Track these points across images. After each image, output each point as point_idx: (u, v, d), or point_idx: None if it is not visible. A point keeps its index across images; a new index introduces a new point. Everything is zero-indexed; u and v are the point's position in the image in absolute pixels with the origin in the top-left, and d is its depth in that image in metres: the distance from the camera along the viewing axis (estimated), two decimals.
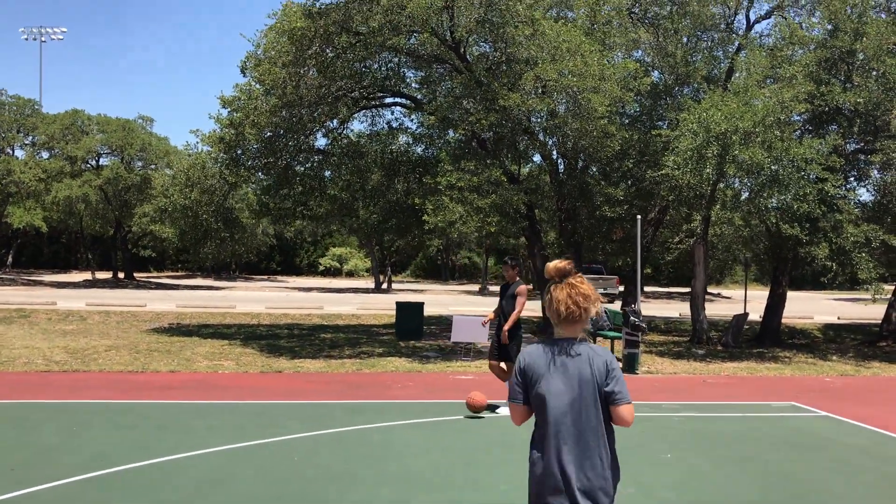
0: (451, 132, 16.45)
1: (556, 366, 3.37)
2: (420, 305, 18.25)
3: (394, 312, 25.80)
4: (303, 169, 17.58)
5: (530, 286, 9.93)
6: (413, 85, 18.95)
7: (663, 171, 15.88)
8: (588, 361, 3.38)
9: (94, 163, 44.72)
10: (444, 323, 21.84)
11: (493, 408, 9.66)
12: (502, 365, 9.86)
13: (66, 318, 21.65)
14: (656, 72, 19.66)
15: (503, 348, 9.67)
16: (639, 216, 15.50)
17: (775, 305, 18.72)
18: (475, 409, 9.29)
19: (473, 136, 15.55)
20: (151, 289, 41.31)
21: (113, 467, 6.85)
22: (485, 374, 13.25)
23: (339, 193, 17.71)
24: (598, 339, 16.58)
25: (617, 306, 23.32)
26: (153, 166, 43.85)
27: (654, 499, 6.34)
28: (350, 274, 70.51)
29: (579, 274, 3.50)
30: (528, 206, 17.55)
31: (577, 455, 3.31)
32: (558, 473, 3.30)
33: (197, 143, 17.86)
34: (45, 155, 44.84)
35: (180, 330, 19.26)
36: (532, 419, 3.53)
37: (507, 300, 9.68)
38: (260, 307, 27.09)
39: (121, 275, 48.33)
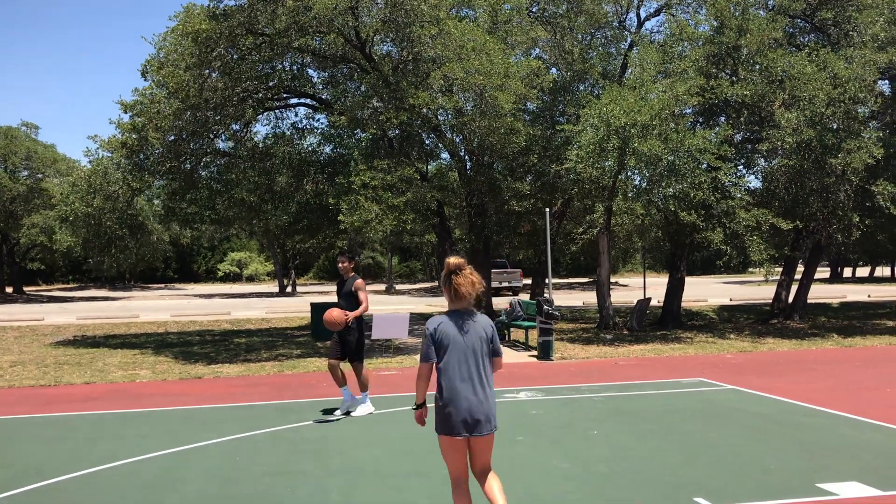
0: (360, 132, 16.56)
1: (463, 329, 4.73)
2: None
3: (305, 314, 25.86)
4: (208, 172, 17.35)
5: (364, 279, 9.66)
6: (318, 85, 18.99)
7: (567, 165, 16.50)
8: (481, 325, 4.79)
9: None
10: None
11: (348, 412, 9.35)
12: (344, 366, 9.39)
13: None
14: (554, 69, 20.34)
15: (347, 346, 9.24)
16: (547, 209, 16.05)
17: (674, 289, 19.68)
18: (332, 325, 8.91)
19: (384, 134, 15.74)
20: (44, 302, 39.61)
21: (51, 478, 6.74)
22: (409, 369, 13.50)
23: (246, 196, 17.54)
24: (513, 328, 17.08)
25: (523, 298, 23.97)
26: (40, 175, 42.02)
27: (588, 472, 6.71)
28: (250, 278, 69.35)
29: (470, 266, 4.82)
30: (438, 203, 17.87)
31: (479, 388, 4.68)
32: (469, 402, 4.64)
33: (97, 148, 17.34)
34: None
35: (86, 342, 18.67)
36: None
37: (345, 297, 9.27)
38: (165, 315, 26.48)
39: (9, 289, 46.09)
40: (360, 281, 9.26)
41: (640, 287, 37.45)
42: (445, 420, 4.68)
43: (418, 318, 21.28)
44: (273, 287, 56.13)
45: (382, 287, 54.04)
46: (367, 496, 6.16)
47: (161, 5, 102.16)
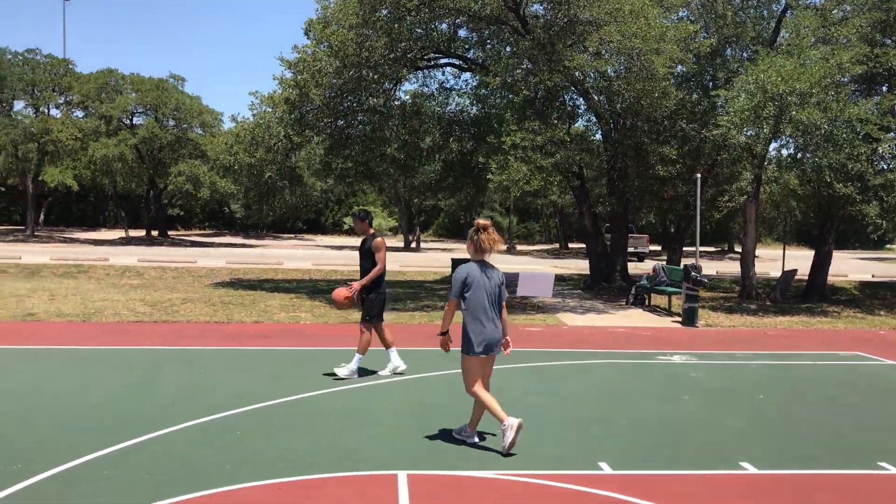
0: (510, 94, 16.80)
1: (485, 275, 6.15)
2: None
3: (436, 269, 26.63)
4: (361, 129, 18.06)
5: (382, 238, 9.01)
6: (466, 46, 19.31)
7: (718, 131, 16.28)
8: (497, 274, 6.25)
9: (128, 122, 45.24)
10: None
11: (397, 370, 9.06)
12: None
13: (123, 274, 22.33)
14: (704, 33, 19.93)
15: (366, 304, 8.83)
16: (698, 175, 15.94)
17: (821, 262, 19.20)
18: (341, 305, 8.70)
19: (534, 96, 15.97)
20: (187, 246, 42.10)
21: (253, 404, 7.50)
22: (553, 327, 13.88)
23: (396, 154, 18.18)
24: (654, 293, 17.15)
25: (648, 265, 23.83)
26: (185, 125, 44.35)
27: (766, 431, 6.92)
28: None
29: (493, 228, 6.18)
30: (578, 165, 18.01)
31: (494, 321, 6.16)
32: (490, 331, 6.12)
33: (258, 103, 18.32)
34: (79, 114, 45.36)
35: (242, 284, 19.93)
36: None
37: (365, 256, 8.80)
38: (306, 263, 27.77)
39: (154, 232, 49.12)
40: (379, 240, 8.75)
41: (772, 259, 36.43)
42: (470, 344, 6.11)
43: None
44: (396, 241, 57.55)
45: (502, 247, 54.55)
46: (553, 439, 6.58)
47: None
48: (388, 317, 14.58)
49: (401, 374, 9.04)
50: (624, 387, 8.78)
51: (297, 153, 18.02)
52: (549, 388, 8.59)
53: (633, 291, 17.25)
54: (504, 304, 6.28)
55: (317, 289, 19.18)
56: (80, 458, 5.73)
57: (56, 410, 7.11)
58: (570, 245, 54.89)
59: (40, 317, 13.45)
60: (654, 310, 16.65)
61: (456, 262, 19.04)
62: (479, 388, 6.25)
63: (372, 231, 8.91)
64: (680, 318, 14.88)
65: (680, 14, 19.72)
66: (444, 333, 6.41)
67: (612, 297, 18.57)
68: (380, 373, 9.01)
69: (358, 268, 9.10)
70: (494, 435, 6.44)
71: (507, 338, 6.41)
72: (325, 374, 8.89)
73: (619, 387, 8.77)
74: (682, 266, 15.40)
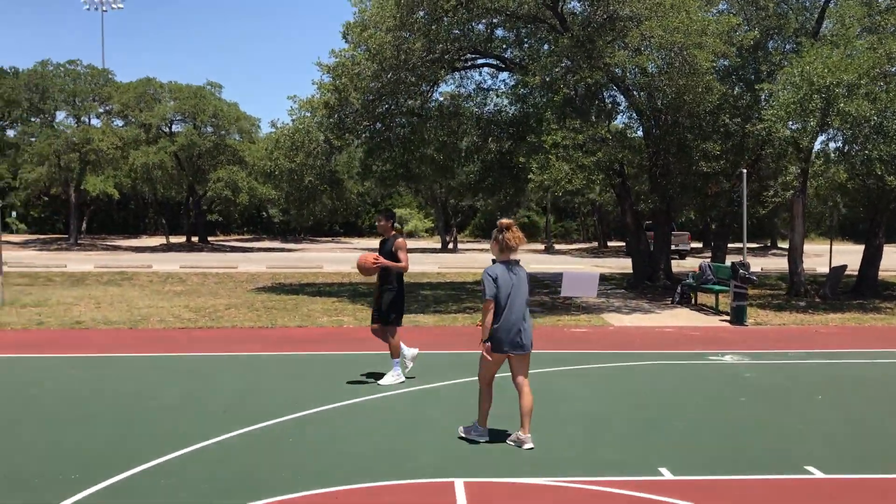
0: (549, 92, 16.65)
1: (513, 274, 6.25)
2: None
3: (476, 270, 26.50)
4: (402, 131, 18.03)
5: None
6: (503, 46, 19.20)
7: (763, 126, 15.97)
8: (524, 273, 6.38)
9: (167, 129, 45.85)
10: (533, 280, 22.32)
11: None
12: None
13: (167, 280, 22.57)
14: (746, 25, 19.59)
15: (379, 306, 8.73)
16: (744, 170, 15.64)
17: (872, 257, 18.75)
18: (366, 270, 8.49)
19: (576, 94, 15.81)
20: (227, 252, 42.52)
21: (307, 409, 7.47)
22: (600, 328, 13.71)
23: (435, 155, 18.13)
24: (700, 292, 16.88)
25: (689, 263, 23.50)
26: (223, 132, 44.83)
27: (831, 433, 6.72)
28: (410, 234, 71.30)
29: (516, 226, 6.28)
30: (620, 163, 17.79)
31: (523, 318, 6.24)
32: (519, 327, 6.22)
33: (296, 107, 18.38)
34: (119, 123, 46.09)
35: (283, 289, 20.02)
36: None
37: (387, 256, 8.59)
38: (345, 267, 27.85)
39: (194, 238, 49.71)
40: (401, 240, 8.66)
41: (815, 254, 35.76)
42: (500, 342, 6.20)
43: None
44: (433, 243, 57.53)
45: (539, 246, 54.24)
46: (610, 443, 6.46)
47: None
48: (431, 319, 14.61)
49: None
50: (678, 388, 8.62)
51: (336, 157, 18.03)
52: (601, 391, 8.45)
53: (678, 290, 16.99)
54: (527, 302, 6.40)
55: (358, 292, 19.19)
56: (137, 466, 5.73)
57: (113, 418, 7.15)
58: (609, 243, 54.45)
59: (88, 324, 13.61)
60: (700, 309, 16.38)
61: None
62: (488, 386, 6.45)
63: (393, 232, 8.81)
64: (728, 317, 14.62)
65: (721, 7, 19.42)
66: (487, 341, 6.26)
67: (656, 297, 18.33)
68: (379, 382, 8.67)
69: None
70: (509, 434, 6.34)
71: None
72: (373, 379, 8.85)
73: (672, 388, 8.61)
74: (729, 264, 15.11)
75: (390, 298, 8.68)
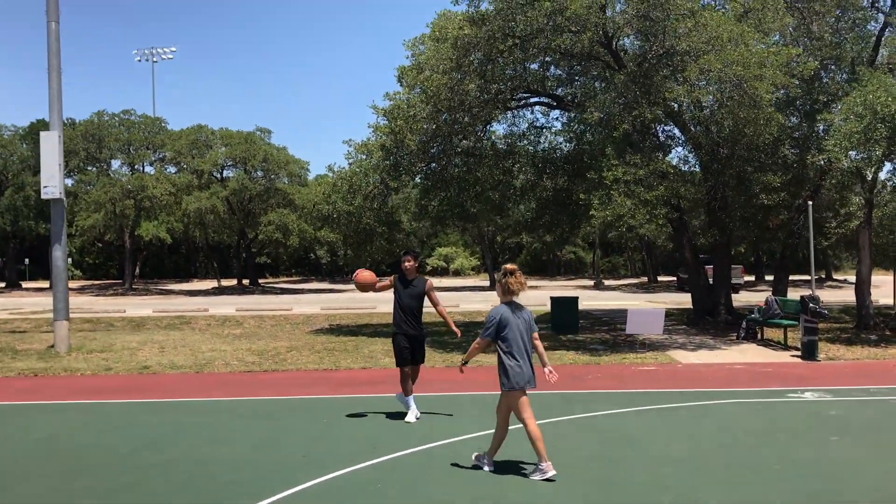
0: (603, 128, 16.59)
1: (516, 315, 6.61)
2: (575, 300, 18.54)
3: (531, 306, 26.31)
4: (456, 171, 18.09)
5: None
6: (554, 84, 19.24)
7: (824, 155, 15.70)
8: (527, 313, 6.71)
9: (218, 175, 46.75)
10: (590, 317, 22.07)
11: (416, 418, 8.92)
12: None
13: (224, 324, 22.80)
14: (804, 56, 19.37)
15: (421, 350, 9.06)
16: (810, 202, 15.35)
17: None
18: (363, 286, 8.80)
19: (634, 130, 15.73)
20: (278, 294, 42.94)
21: (387, 454, 7.38)
22: (667, 365, 13.44)
23: (490, 194, 18.14)
24: (766, 327, 16.50)
25: (743, 297, 23.04)
26: (273, 175, 45.58)
27: None
28: (456, 273, 71.32)
29: (519, 272, 6.68)
30: (679, 197, 17.59)
31: (527, 358, 6.55)
32: (527, 368, 6.52)
33: (352, 151, 18.59)
34: (171, 169, 47.14)
35: (341, 330, 20.07)
36: None
37: (415, 298, 8.91)
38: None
39: (245, 281, 50.31)
40: (430, 281, 9.05)
41: (874, 286, 34.81)
42: (514, 379, 6.49)
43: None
44: (481, 280, 57.41)
45: (588, 282, 53.79)
46: (713, 487, 6.25)
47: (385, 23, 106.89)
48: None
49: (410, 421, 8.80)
50: (763, 428, 8.34)
51: (392, 198, 18.15)
52: (683, 431, 8.22)
53: (743, 325, 16.63)
54: (537, 336, 6.76)
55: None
56: None
57: (194, 464, 7.14)
58: (659, 278, 53.82)
59: (154, 369, 13.75)
60: (767, 344, 16.00)
61: (555, 301, 18.82)
62: (505, 420, 6.74)
63: (417, 273, 9.06)
64: (798, 352, 14.25)
65: (775, 38, 19.25)
66: (465, 363, 7.25)
67: (719, 332, 17.96)
68: (406, 419, 8.83)
69: (400, 308, 9.02)
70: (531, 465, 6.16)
71: (549, 366, 6.81)
72: (446, 421, 8.74)
73: (757, 428, 8.34)
74: (798, 297, 14.76)
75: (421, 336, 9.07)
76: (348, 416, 9.37)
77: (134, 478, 6.73)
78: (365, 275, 8.87)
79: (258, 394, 11.09)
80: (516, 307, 6.64)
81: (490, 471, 6.64)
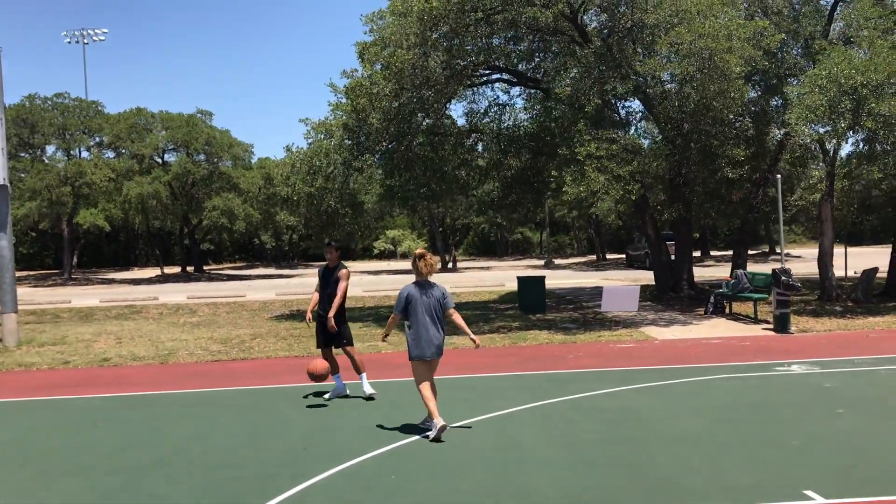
0: (563, 104, 16.33)
1: (424, 294, 7.36)
2: (542, 280, 18.36)
3: (493, 289, 26.18)
4: (420, 150, 17.66)
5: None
6: (515, 59, 18.90)
7: (789, 129, 15.76)
8: (438, 291, 7.44)
9: (160, 159, 45.32)
10: (553, 296, 21.95)
11: (371, 397, 9.19)
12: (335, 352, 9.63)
13: (177, 312, 22.05)
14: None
15: (335, 335, 9.34)
16: (779, 175, 15.40)
17: None
18: (316, 376, 8.79)
19: (605, 105, 15.53)
20: (224, 280, 41.87)
21: (396, 441, 7.05)
22: (645, 342, 13.35)
23: (457, 173, 17.79)
24: (735, 301, 16.57)
25: (697, 271, 23.22)
26: (215, 159, 44.29)
27: None
28: (404, 255, 70.72)
29: (429, 254, 7.46)
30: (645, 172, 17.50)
31: (432, 330, 7.30)
32: (427, 339, 7.27)
33: (310, 131, 18.00)
34: (110, 155, 45.44)
35: (303, 316, 19.53)
36: None
37: (332, 285, 9.30)
38: (356, 290, 27.38)
39: (189, 268, 49.01)
40: (344, 271, 9.36)
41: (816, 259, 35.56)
42: (419, 350, 7.28)
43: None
44: None
45: (537, 262, 53.92)
46: (735, 465, 6.08)
47: None
48: (467, 341, 14.15)
49: (344, 397, 9.36)
50: (765, 402, 8.24)
51: (356, 178, 17.63)
52: (688, 409, 8.06)
53: (711, 300, 16.67)
54: (454, 311, 7.46)
55: (381, 315, 18.78)
56: None
57: (191, 461, 6.69)
58: (608, 256, 54.25)
59: (115, 361, 13.12)
60: (736, 318, 16.06)
61: (522, 281, 18.62)
62: (424, 387, 7.33)
63: (339, 262, 9.47)
64: (770, 325, 14.32)
65: (740, 13, 19.25)
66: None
67: (685, 307, 18.00)
68: (325, 397, 9.37)
69: (318, 294, 9.52)
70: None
71: (473, 336, 7.60)
72: (442, 407, 8.43)
73: (760, 402, 8.23)
74: (770, 271, 14.83)
75: (344, 325, 9.49)
76: (340, 403, 9.00)
77: (125, 479, 6.26)
78: (317, 364, 8.90)
79: (235, 384, 10.61)
80: (425, 286, 7.39)
81: (441, 427, 7.01)
